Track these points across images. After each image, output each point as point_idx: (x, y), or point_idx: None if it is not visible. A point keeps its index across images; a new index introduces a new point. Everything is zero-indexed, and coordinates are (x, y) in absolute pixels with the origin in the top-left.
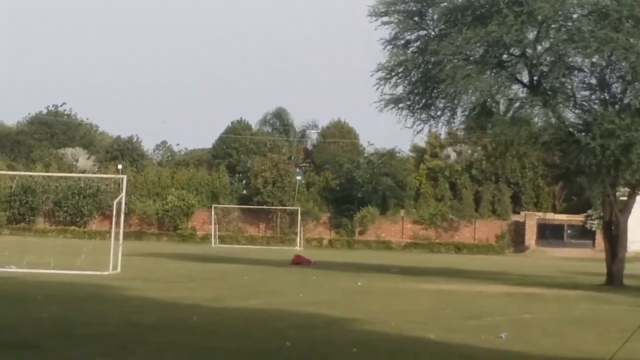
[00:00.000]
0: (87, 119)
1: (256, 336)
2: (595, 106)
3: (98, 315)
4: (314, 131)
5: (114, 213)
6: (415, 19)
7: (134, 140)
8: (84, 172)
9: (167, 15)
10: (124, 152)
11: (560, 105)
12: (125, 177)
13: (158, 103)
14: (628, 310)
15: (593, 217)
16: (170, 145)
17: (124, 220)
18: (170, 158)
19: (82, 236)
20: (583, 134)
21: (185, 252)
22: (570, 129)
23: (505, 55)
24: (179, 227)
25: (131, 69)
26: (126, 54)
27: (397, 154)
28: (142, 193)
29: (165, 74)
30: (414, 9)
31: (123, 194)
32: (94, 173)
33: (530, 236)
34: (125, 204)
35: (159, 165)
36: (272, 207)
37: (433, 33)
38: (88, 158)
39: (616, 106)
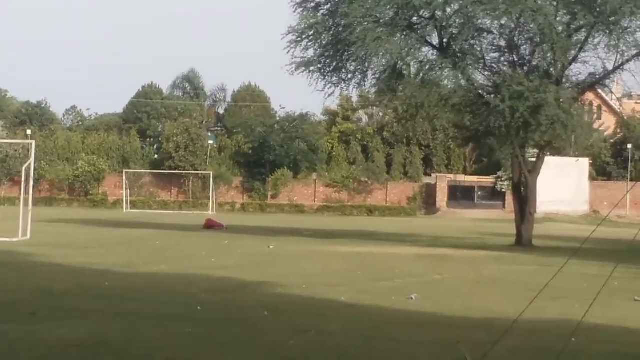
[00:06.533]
0: None
1: (167, 301)
2: (505, 68)
3: (6, 282)
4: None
5: (23, 179)
6: None
7: (43, 105)
8: None
9: None
10: (32, 117)
11: (470, 67)
12: (34, 142)
13: (67, 67)
14: (536, 270)
15: (503, 179)
16: (80, 110)
17: (34, 186)
18: (80, 123)
19: None
20: (492, 96)
21: (97, 218)
22: (480, 91)
23: (415, 18)
24: (90, 192)
25: (40, 32)
26: (35, 16)
27: (310, 117)
28: (52, 158)
29: (74, 37)
30: None
31: (32, 160)
32: (3, 138)
33: (442, 198)
34: (35, 170)
35: (69, 130)
36: (184, 172)
37: None
38: None
39: (525, 68)
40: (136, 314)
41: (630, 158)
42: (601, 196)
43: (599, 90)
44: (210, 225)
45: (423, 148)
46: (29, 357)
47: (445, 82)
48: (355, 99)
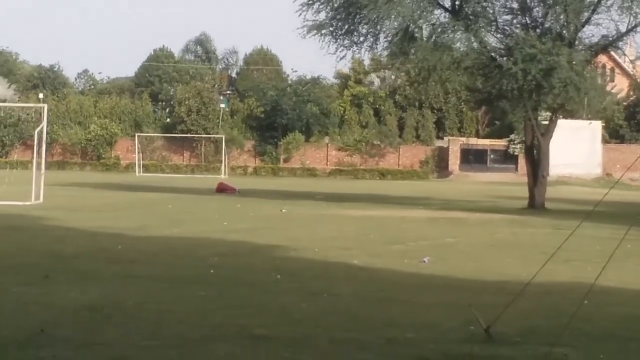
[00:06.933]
0: (7, 47)
1: (180, 264)
2: (517, 30)
3: (19, 245)
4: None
5: (36, 143)
6: None
7: (56, 68)
8: (4, 101)
9: None
10: (45, 80)
11: (482, 29)
12: (46, 106)
13: (80, 31)
14: (549, 233)
15: (515, 142)
16: (92, 73)
17: (47, 150)
18: (92, 86)
19: (4, 166)
20: (505, 58)
21: (109, 182)
22: (492, 54)
23: None
24: (103, 156)
25: None
26: None
27: (322, 80)
28: (65, 122)
29: (86, 1)
30: None
31: (44, 123)
32: (15, 102)
33: (454, 161)
34: (48, 134)
35: (81, 94)
36: (196, 135)
37: None
38: (8, 87)
39: (537, 30)
40: (149, 276)
41: None
42: (614, 159)
43: (612, 53)
44: (222, 189)
45: (435, 111)
46: (42, 319)
47: (458, 44)
48: (367, 62)
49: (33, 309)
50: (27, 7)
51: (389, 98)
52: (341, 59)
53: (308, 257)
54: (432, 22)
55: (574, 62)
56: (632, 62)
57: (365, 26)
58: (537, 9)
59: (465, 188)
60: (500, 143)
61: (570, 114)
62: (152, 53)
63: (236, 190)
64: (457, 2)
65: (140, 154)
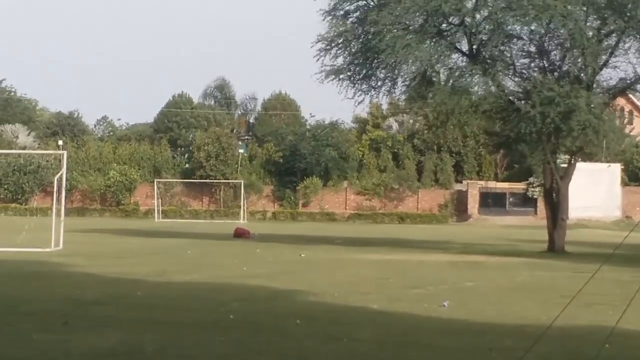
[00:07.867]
0: (26, 94)
1: (199, 309)
2: (535, 74)
3: (39, 292)
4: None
5: (55, 189)
6: None
7: (75, 115)
8: (24, 148)
9: None
10: (64, 127)
11: (500, 73)
12: (65, 152)
13: (98, 78)
14: (569, 276)
15: (534, 185)
16: (111, 120)
17: (66, 197)
18: (111, 133)
19: (24, 213)
20: (523, 102)
21: (128, 228)
22: (510, 97)
23: (444, 25)
24: (122, 202)
25: (70, 43)
26: (64, 27)
27: (340, 125)
28: (84, 169)
29: (105, 48)
30: None
31: (64, 170)
32: (34, 149)
33: (473, 205)
34: (67, 180)
35: (100, 140)
36: (215, 181)
37: (372, 3)
38: (28, 134)
39: (555, 73)
40: (168, 322)
41: None
42: (634, 202)
43: (630, 95)
44: (239, 234)
45: (454, 155)
46: None
47: (476, 88)
48: (385, 106)
49: (53, 356)
50: (45, 55)
51: (408, 142)
52: (359, 103)
53: (327, 301)
54: (449, 66)
55: (592, 105)
56: None
57: (383, 71)
58: (555, 52)
59: (484, 231)
60: (519, 186)
61: (589, 157)
62: (171, 99)
63: (254, 235)
64: (474, 46)
65: (159, 200)
